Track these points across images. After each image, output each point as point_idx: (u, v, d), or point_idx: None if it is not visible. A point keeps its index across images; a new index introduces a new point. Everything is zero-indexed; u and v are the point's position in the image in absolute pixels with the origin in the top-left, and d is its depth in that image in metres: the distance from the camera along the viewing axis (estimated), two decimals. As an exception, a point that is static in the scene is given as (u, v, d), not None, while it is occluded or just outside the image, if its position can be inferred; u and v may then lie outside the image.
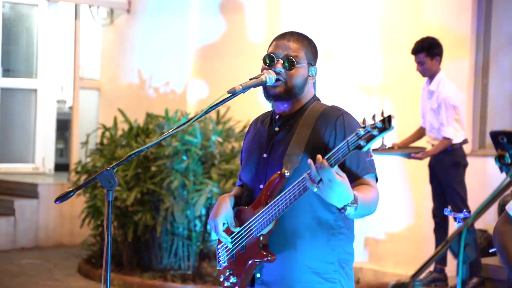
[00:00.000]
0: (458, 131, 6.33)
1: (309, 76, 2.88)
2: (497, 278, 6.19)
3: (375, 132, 2.37)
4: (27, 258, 8.65)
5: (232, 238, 2.89)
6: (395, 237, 7.52)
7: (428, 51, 6.31)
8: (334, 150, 2.50)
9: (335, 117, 2.78)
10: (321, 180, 2.51)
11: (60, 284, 7.55)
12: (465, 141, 6.39)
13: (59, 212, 9.53)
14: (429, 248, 6.99)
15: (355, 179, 2.73)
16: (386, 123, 2.35)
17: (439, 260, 6.33)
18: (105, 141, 8.10)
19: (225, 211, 2.90)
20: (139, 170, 7.48)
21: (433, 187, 6.47)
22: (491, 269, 6.21)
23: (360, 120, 2.46)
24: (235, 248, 2.89)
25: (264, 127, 2.97)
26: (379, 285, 7.34)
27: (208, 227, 7.63)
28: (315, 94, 2.94)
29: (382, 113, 2.37)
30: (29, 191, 9.58)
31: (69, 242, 9.58)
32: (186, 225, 7.47)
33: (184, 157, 7.44)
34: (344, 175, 2.55)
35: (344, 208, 2.57)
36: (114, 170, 2.77)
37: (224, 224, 2.90)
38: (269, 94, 2.87)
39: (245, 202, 2.92)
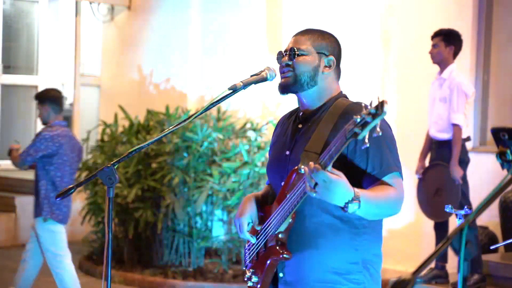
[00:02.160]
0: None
1: (325, 66, 2.87)
2: (498, 275, 6.19)
3: (369, 118, 2.34)
4: (28, 255, 8.64)
5: (256, 237, 2.88)
6: (396, 234, 7.52)
7: (445, 36, 6.40)
8: (328, 148, 2.49)
9: (358, 113, 2.76)
10: (316, 184, 2.49)
11: (61, 280, 7.55)
12: (468, 138, 6.40)
13: (60, 209, 9.53)
14: (429, 245, 6.99)
15: (375, 181, 2.69)
16: (379, 109, 2.32)
17: (440, 256, 6.33)
18: (105, 138, 8.10)
19: (249, 210, 2.88)
20: (140, 167, 7.48)
21: None
22: (492, 265, 6.21)
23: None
24: (258, 247, 2.87)
25: (289, 124, 2.96)
26: (380, 282, 7.33)
27: (209, 224, 7.63)
28: (341, 91, 2.92)
29: (378, 99, 2.35)
30: (30, 187, 9.57)
31: (69, 239, 9.50)
32: (187, 222, 7.47)
33: (185, 154, 7.44)
34: (340, 173, 2.52)
35: (346, 206, 2.53)
36: (115, 167, 2.77)
37: (249, 223, 2.88)
38: (282, 88, 2.86)
39: (271, 201, 2.90)
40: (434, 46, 6.44)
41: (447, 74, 6.38)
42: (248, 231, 2.89)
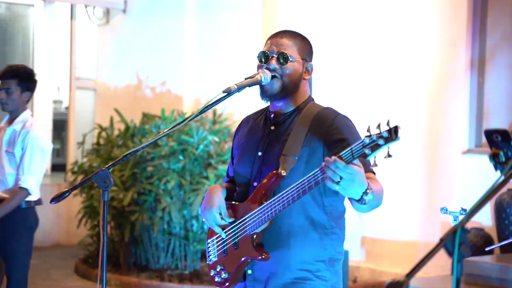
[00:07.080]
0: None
1: (305, 72, 2.89)
2: (493, 276, 6.20)
3: (380, 141, 2.35)
4: (24, 259, 8.63)
5: (224, 231, 2.89)
6: (392, 236, 7.53)
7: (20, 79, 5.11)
8: (346, 150, 2.48)
9: (331, 118, 2.80)
10: (341, 178, 2.48)
11: (57, 284, 7.55)
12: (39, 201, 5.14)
13: (56, 213, 9.52)
14: (425, 247, 7.00)
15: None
16: (392, 134, 2.33)
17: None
18: (101, 141, 8.10)
19: (218, 201, 2.90)
20: (136, 170, 7.48)
21: None
22: (487, 267, 6.22)
23: (357, 124, 2.46)
24: (228, 244, 2.89)
25: (258, 125, 2.98)
26: (376, 284, 7.34)
27: (205, 226, 7.63)
28: (310, 95, 2.95)
29: (388, 123, 2.36)
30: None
31: (66, 242, 9.58)
32: (183, 225, 7.47)
33: (181, 157, 7.44)
34: (360, 164, 2.55)
35: (363, 196, 2.55)
36: (110, 170, 2.78)
37: (219, 214, 2.89)
38: (266, 94, 2.87)
39: (238, 199, 2.92)
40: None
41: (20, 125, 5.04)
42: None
